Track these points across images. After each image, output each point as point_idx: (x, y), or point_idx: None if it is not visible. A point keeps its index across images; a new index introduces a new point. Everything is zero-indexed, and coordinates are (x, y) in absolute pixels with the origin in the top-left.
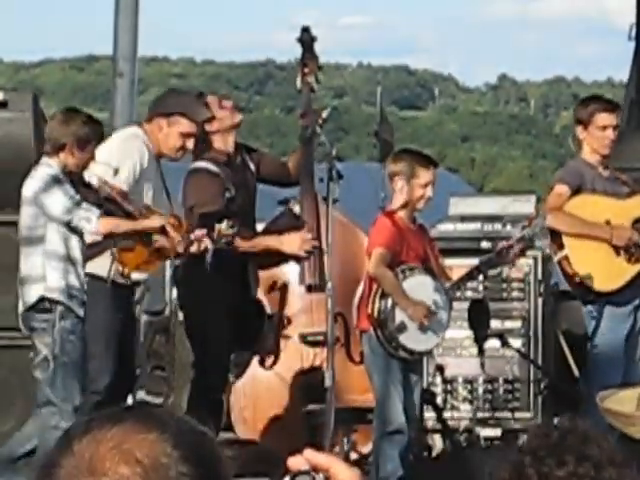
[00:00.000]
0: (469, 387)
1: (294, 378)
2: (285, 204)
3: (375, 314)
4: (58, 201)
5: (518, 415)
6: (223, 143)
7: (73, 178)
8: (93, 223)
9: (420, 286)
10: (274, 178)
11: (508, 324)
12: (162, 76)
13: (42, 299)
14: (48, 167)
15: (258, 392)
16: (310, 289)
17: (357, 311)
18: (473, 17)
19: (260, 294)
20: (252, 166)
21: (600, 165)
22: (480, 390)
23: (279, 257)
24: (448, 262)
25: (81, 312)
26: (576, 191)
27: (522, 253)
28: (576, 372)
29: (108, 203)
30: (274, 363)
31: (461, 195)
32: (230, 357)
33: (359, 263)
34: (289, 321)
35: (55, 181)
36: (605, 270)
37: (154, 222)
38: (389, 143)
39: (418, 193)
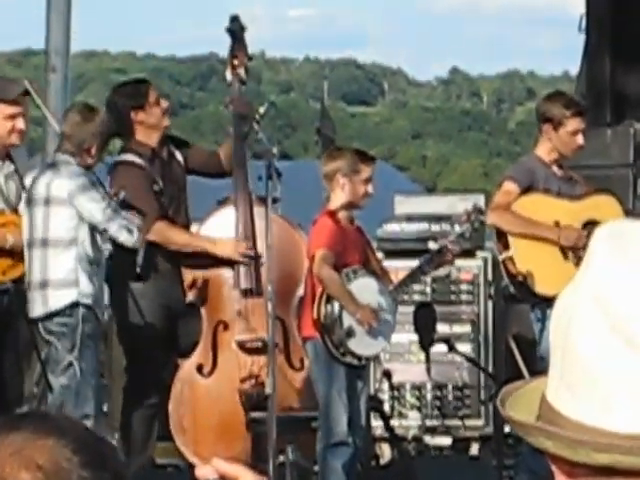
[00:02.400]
0: (417, 394)
1: (233, 386)
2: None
3: (322, 319)
4: (99, 206)
5: (468, 423)
6: (146, 137)
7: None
8: (135, 234)
9: (365, 288)
10: (204, 169)
11: (457, 328)
12: (102, 71)
13: (75, 304)
14: (72, 166)
15: (197, 400)
16: (246, 294)
17: (298, 317)
18: (423, 8)
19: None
20: (180, 158)
21: (554, 164)
22: (429, 397)
23: (211, 260)
24: (394, 264)
25: (103, 317)
26: (526, 190)
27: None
28: (528, 378)
29: None
30: (212, 370)
31: (406, 194)
32: (165, 361)
33: (297, 266)
34: (225, 327)
35: (91, 184)
36: (551, 272)
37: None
38: (331, 140)
39: (360, 190)
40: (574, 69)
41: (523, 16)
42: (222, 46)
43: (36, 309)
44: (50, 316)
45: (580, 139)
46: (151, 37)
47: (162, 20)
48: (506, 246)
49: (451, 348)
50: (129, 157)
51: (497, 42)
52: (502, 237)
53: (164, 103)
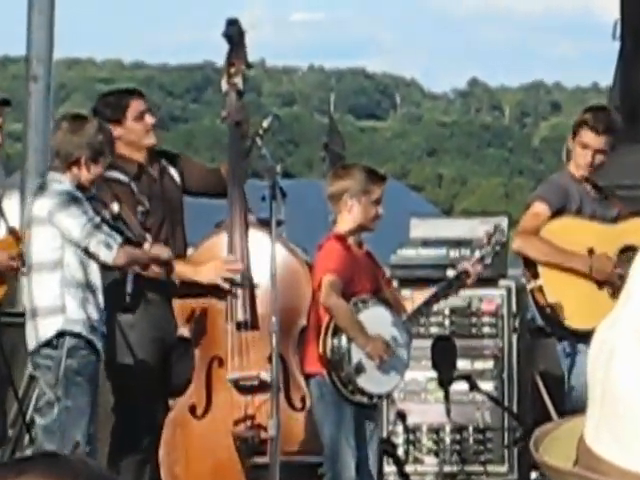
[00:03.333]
0: (434, 437)
1: (229, 428)
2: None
3: (328, 354)
4: (77, 222)
5: (490, 469)
6: (130, 152)
7: (88, 195)
8: (114, 251)
9: (376, 319)
10: (203, 188)
11: (478, 364)
12: (86, 81)
13: (61, 333)
14: (59, 183)
15: (190, 444)
16: (240, 327)
17: (301, 351)
18: (440, 13)
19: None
20: (176, 175)
21: (587, 182)
22: (447, 440)
23: (200, 288)
24: (408, 295)
25: (100, 347)
26: (558, 211)
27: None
28: (556, 419)
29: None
30: (206, 411)
31: (423, 216)
32: (157, 401)
33: (297, 296)
34: (220, 363)
35: (72, 199)
36: (584, 305)
37: (163, 253)
38: (340, 156)
39: (370, 212)
40: (605, 80)
41: (549, 23)
42: (218, 54)
43: (29, 341)
44: (39, 348)
45: (588, 155)
46: (140, 44)
47: (152, 25)
48: (535, 275)
49: (473, 386)
50: (113, 174)
51: (520, 51)
52: (531, 265)
53: (149, 119)
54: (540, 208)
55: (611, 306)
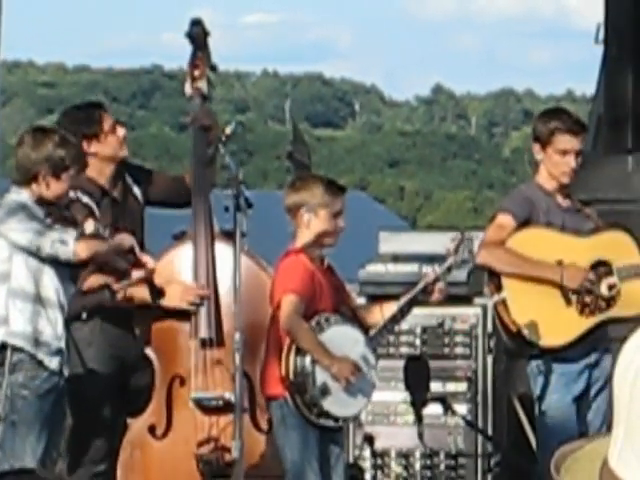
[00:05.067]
0: (404, 462)
1: (190, 450)
2: (181, 239)
3: (291, 376)
4: (25, 227)
5: None
6: (98, 173)
7: (51, 210)
8: (71, 245)
9: (341, 338)
10: (168, 199)
11: (450, 386)
12: (27, 85)
13: (3, 346)
14: (16, 194)
15: (149, 466)
16: (204, 344)
17: (262, 373)
18: (403, 16)
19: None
20: (138, 194)
21: (559, 193)
22: (417, 466)
23: (160, 311)
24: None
25: (52, 363)
26: (524, 223)
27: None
28: (535, 445)
29: None
30: (166, 432)
31: (393, 230)
32: (115, 421)
33: (265, 312)
34: (182, 382)
35: (21, 207)
36: (550, 321)
37: (125, 240)
38: (306, 166)
39: (331, 226)
40: (579, 88)
41: (521, 28)
42: (167, 57)
43: None
44: None
45: (571, 160)
46: (84, 47)
47: (98, 28)
48: (498, 288)
49: (448, 408)
50: (77, 195)
51: (488, 57)
52: (495, 278)
53: (121, 130)
54: (505, 220)
55: (578, 324)
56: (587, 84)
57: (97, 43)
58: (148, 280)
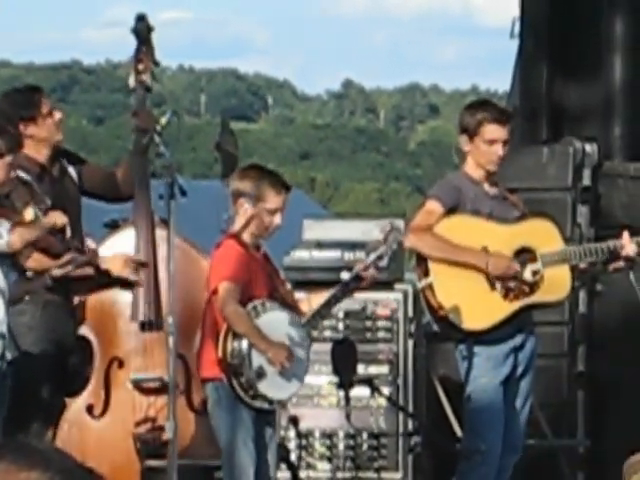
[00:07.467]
0: (328, 442)
1: (127, 430)
2: (113, 227)
3: (228, 358)
4: None
5: (385, 475)
6: (36, 152)
7: None
8: (4, 237)
9: (276, 323)
10: (99, 191)
11: (373, 369)
12: None
13: None
14: None
15: (86, 445)
16: (144, 327)
17: (198, 355)
18: (313, 13)
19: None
20: (74, 175)
21: (486, 181)
22: (341, 446)
23: (100, 280)
24: (304, 296)
25: None
26: (452, 210)
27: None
28: (455, 425)
29: None
30: (104, 411)
31: (316, 217)
32: (54, 403)
33: (202, 297)
34: (120, 364)
35: None
36: (475, 305)
37: (58, 219)
38: (233, 156)
39: (264, 221)
40: (484, 83)
41: (429, 25)
42: (85, 52)
43: None
44: None
45: (499, 149)
46: (6, 42)
47: (19, 24)
48: (426, 273)
49: (375, 390)
50: (17, 173)
51: (397, 52)
52: (422, 263)
53: (57, 114)
54: (433, 206)
55: (501, 308)
56: (491, 79)
57: (19, 39)
58: (92, 263)
